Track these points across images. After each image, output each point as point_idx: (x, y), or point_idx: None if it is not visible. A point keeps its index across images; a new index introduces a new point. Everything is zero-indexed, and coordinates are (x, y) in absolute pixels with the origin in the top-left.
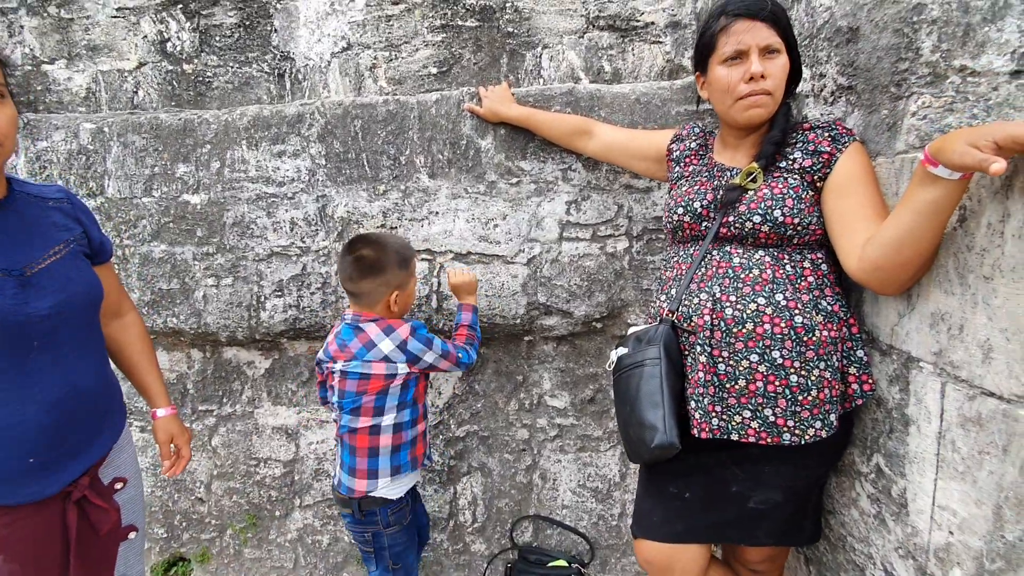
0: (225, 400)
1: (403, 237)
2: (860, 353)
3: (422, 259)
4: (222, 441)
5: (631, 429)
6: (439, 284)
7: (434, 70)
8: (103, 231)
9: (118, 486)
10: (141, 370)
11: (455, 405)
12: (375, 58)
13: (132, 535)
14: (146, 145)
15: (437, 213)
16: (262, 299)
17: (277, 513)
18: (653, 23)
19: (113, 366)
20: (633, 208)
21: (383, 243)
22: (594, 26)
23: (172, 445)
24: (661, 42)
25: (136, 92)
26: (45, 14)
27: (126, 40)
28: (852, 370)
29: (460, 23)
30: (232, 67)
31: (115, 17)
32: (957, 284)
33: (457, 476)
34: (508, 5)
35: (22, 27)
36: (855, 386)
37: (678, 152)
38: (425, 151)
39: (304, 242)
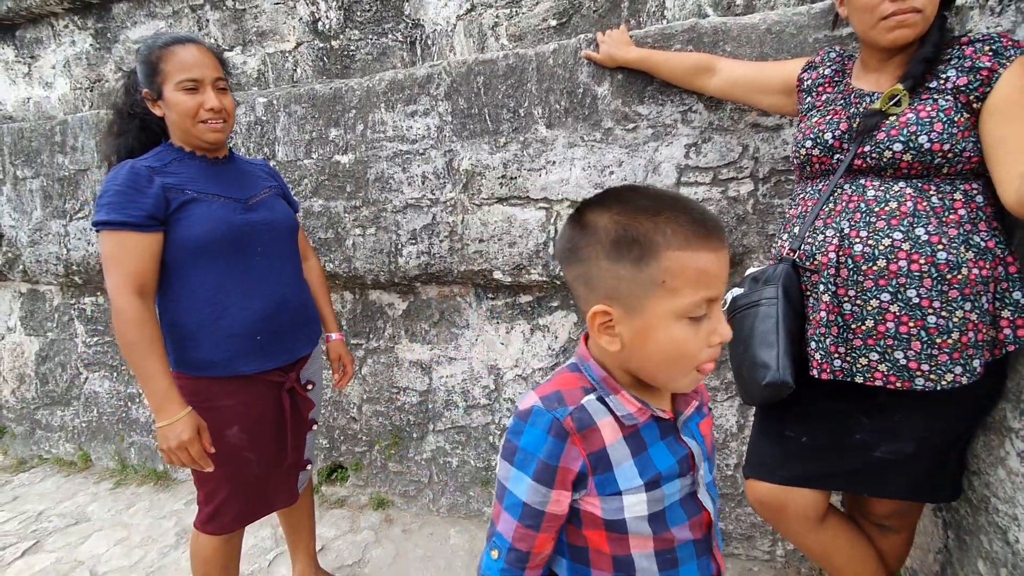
0: (371, 336)
1: (654, 197)
2: (1017, 295)
3: (539, 207)
4: (370, 371)
5: (744, 369)
6: (555, 232)
7: (553, 22)
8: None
9: (308, 387)
10: (320, 302)
11: (571, 351)
12: (497, 16)
13: (314, 427)
14: (305, 113)
15: (554, 162)
16: (399, 246)
17: (414, 435)
18: None
19: None
20: (760, 148)
21: (604, 205)
22: None
23: (340, 363)
24: None
25: (295, 70)
26: (224, 7)
27: (286, 23)
28: (1006, 313)
29: None
30: (371, 39)
31: (277, 3)
32: None
33: None
34: None
35: (207, 20)
36: (1008, 331)
37: (810, 81)
38: (543, 102)
39: (434, 194)
